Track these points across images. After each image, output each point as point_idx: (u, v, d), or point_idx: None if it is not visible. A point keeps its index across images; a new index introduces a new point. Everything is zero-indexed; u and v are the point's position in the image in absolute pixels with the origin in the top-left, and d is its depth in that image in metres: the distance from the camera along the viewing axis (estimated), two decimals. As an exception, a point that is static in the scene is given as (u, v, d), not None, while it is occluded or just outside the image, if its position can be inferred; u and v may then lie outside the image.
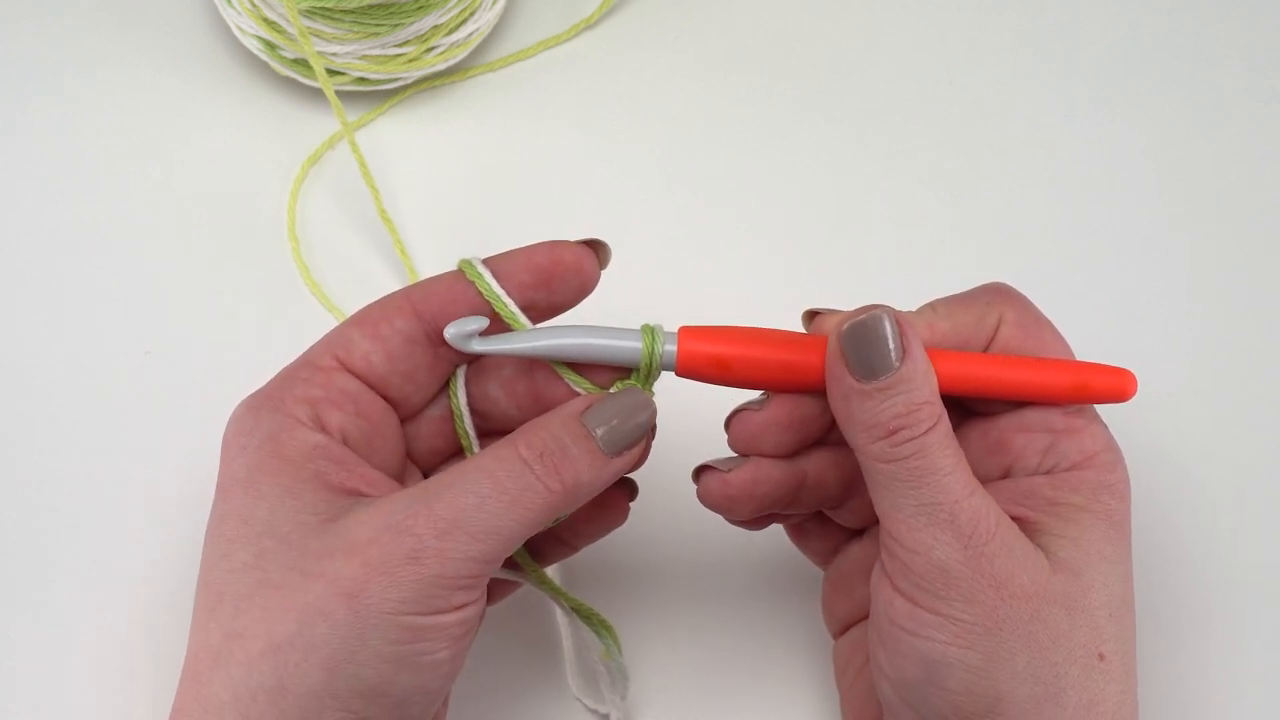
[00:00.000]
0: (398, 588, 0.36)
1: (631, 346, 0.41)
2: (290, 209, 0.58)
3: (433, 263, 0.57)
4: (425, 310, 0.41)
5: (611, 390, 0.41)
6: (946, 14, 0.64)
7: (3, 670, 0.48)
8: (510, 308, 0.41)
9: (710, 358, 0.41)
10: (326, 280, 0.57)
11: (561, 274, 0.41)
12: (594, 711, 0.49)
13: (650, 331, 0.41)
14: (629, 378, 0.41)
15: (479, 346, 0.41)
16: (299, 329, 0.54)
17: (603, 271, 0.42)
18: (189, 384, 0.54)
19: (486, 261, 0.41)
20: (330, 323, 0.55)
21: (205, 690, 0.37)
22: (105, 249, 0.57)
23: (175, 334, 0.55)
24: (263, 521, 0.38)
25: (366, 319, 0.41)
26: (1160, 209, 0.60)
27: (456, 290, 0.41)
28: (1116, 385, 0.41)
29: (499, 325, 0.41)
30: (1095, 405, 0.42)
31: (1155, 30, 0.64)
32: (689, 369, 0.41)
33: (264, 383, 0.41)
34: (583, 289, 0.42)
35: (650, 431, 0.41)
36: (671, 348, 0.41)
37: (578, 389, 0.42)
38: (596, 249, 0.42)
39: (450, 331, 0.40)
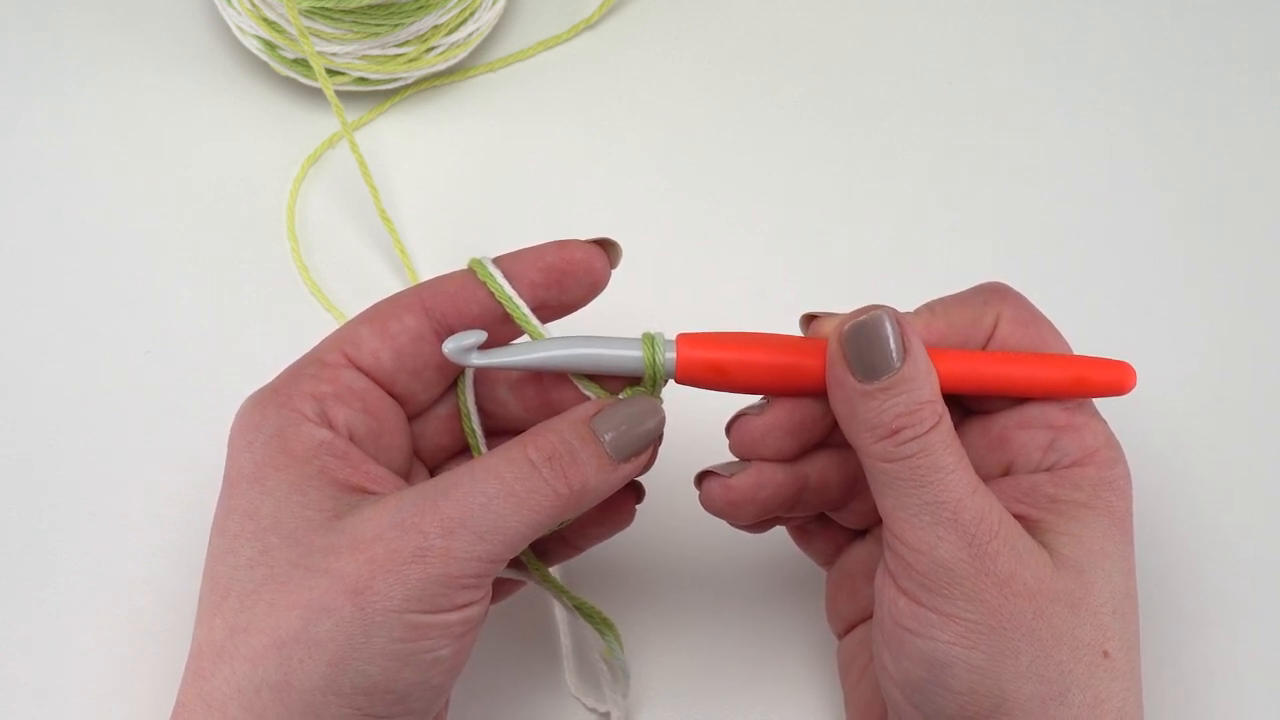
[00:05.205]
0: (403, 585, 0.36)
1: (631, 356, 0.41)
2: (290, 209, 0.58)
3: (432, 262, 0.57)
4: (435, 308, 0.41)
5: (620, 396, 0.41)
6: (946, 14, 0.65)
7: (6, 668, 0.48)
8: (522, 309, 0.41)
9: (709, 364, 0.41)
10: (326, 280, 0.57)
11: (572, 273, 0.41)
12: (593, 710, 0.49)
13: (650, 340, 0.41)
14: (638, 383, 0.41)
15: (478, 360, 0.40)
16: (298, 329, 0.55)
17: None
18: (189, 384, 0.54)
19: (496, 261, 0.41)
20: (329, 322, 0.55)
21: (208, 685, 0.37)
22: (105, 248, 0.57)
23: (175, 334, 0.55)
24: (269, 517, 0.38)
25: (376, 316, 0.41)
26: (1159, 208, 0.60)
27: (467, 289, 0.41)
28: (1116, 378, 0.41)
29: (507, 324, 0.41)
30: (1095, 400, 0.42)
31: (1155, 31, 0.64)
32: (688, 376, 0.41)
33: (264, 382, 0.41)
34: (593, 288, 0.42)
35: (658, 438, 0.41)
36: (671, 355, 0.41)
37: (587, 393, 0.42)
38: (607, 248, 0.42)
39: (449, 346, 0.40)
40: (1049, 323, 0.43)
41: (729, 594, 0.50)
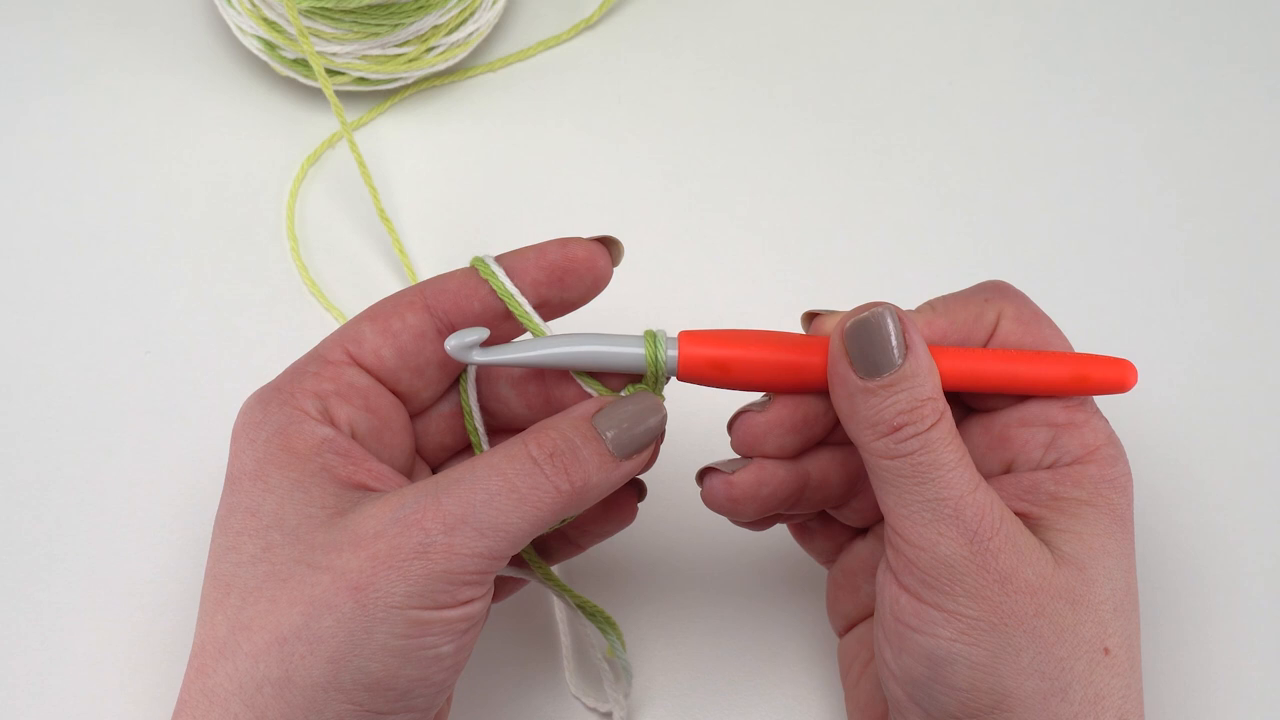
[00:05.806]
0: (404, 582, 0.36)
1: (633, 353, 0.41)
2: (289, 208, 0.58)
3: (431, 262, 0.57)
4: (437, 306, 0.41)
5: (623, 393, 0.41)
6: (946, 14, 0.65)
7: (6, 668, 0.48)
8: (524, 306, 0.41)
9: (711, 361, 0.41)
10: (325, 279, 0.57)
11: (574, 271, 0.41)
12: (593, 710, 0.48)
13: (653, 337, 0.41)
14: (640, 381, 0.41)
15: (480, 358, 0.40)
16: (298, 328, 0.55)
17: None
18: (188, 384, 0.54)
19: (498, 259, 0.41)
20: (329, 322, 0.55)
21: (210, 681, 0.37)
22: (105, 248, 0.57)
23: (175, 334, 0.55)
24: (271, 514, 0.38)
25: (378, 314, 0.41)
26: (1160, 207, 0.60)
27: (469, 287, 0.41)
28: (1117, 376, 0.41)
29: (509, 321, 0.41)
30: (1096, 397, 0.42)
31: (1155, 30, 0.65)
32: (690, 373, 0.41)
33: (264, 382, 0.41)
34: (595, 286, 0.42)
35: (660, 435, 0.41)
36: (673, 353, 0.41)
37: (589, 390, 0.42)
38: (609, 246, 0.42)
39: (451, 343, 0.40)
40: (1050, 321, 0.43)
41: (730, 592, 0.50)
